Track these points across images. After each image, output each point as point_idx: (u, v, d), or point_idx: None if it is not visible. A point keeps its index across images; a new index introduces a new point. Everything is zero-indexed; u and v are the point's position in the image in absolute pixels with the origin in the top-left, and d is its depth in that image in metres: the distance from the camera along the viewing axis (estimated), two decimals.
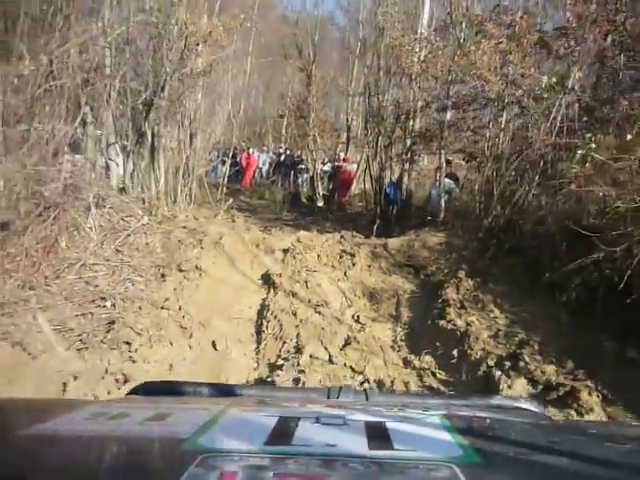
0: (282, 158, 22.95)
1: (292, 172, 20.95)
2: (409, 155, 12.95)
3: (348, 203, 16.80)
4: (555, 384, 4.54)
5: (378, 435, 1.10)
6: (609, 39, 9.43)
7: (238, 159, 23.21)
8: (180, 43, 8.72)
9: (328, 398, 1.71)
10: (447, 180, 11.71)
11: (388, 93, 13.16)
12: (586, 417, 4.10)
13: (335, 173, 17.33)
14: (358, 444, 1.03)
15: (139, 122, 8.86)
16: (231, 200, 12.22)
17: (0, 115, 6.89)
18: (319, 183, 17.90)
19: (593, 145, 7.15)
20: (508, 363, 5.01)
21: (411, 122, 12.69)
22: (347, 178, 17.05)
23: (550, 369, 4.84)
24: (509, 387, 4.56)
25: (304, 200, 18.15)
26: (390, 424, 1.21)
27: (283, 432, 1.11)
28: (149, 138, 8.92)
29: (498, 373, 4.83)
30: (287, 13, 20.13)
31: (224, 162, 16.69)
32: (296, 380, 4.68)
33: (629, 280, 5.44)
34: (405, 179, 13.06)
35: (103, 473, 0.95)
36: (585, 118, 8.78)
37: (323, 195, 17.63)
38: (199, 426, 1.11)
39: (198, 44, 9.08)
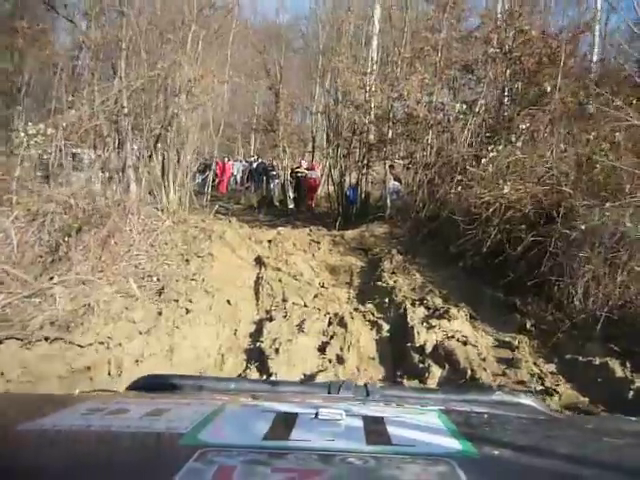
0: (254, 166, 24.93)
1: (265, 179, 22.87)
2: (365, 162, 15.78)
3: (315, 205, 19.58)
4: (440, 308, 7.49)
5: (376, 430, 1.14)
6: (508, 72, 12.43)
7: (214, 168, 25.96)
8: (181, 88, 11.60)
9: (329, 393, 1.74)
10: (395, 182, 14.69)
11: (344, 112, 16.03)
12: (453, 322, 7.04)
13: (302, 180, 19.95)
14: (356, 439, 1.06)
15: (151, 150, 11.71)
16: (216, 206, 14.47)
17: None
18: (289, 188, 20.17)
19: (493, 154, 10.09)
20: (417, 302, 7.91)
21: (365, 135, 15.54)
22: (313, 183, 19.84)
23: (440, 302, 7.81)
24: (413, 312, 7.45)
25: (277, 204, 20.52)
26: (388, 419, 1.23)
27: (282, 427, 1.14)
28: (160, 161, 11.79)
29: (409, 307, 7.73)
30: (255, 40, 22.62)
31: (205, 172, 19.37)
32: (284, 316, 7.51)
33: (496, 248, 8.47)
34: (362, 183, 15.97)
35: (102, 468, 0.96)
36: (488, 134, 11.78)
37: (293, 198, 19.96)
38: (198, 421, 1.13)
39: (193, 87, 11.96)
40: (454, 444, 1.06)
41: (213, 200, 16.37)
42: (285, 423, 1.18)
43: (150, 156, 11.75)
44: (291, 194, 20.20)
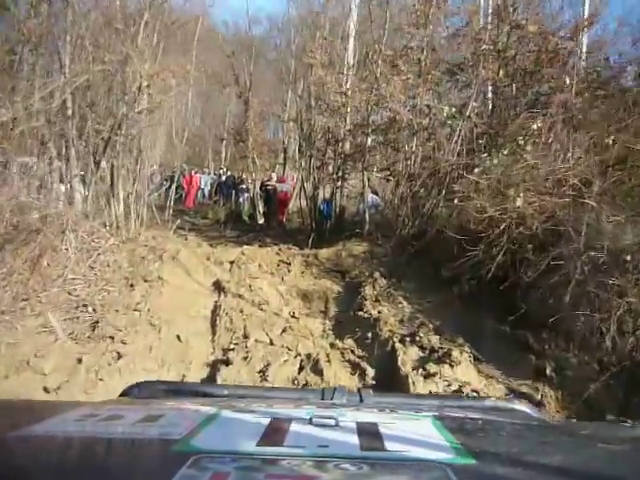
0: (223, 179, 24.09)
1: (233, 192, 21.87)
2: (339, 174, 14.43)
3: (287, 220, 18.20)
4: (437, 348, 6.09)
5: (370, 436, 1.13)
6: (501, 72, 11.14)
7: (180, 181, 24.57)
8: (133, 86, 10.10)
9: (322, 399, 1.75)
10: (373, 195, 13.33)
11: (318, 120, 14.67)
12: (456, 369, 5.65)
13: (272, 193, 18.64)
14: (350, 445, 1.06)
15: (99, 156, 10.18)
16: (179, 221, 13.08)
17: None
18: (259, 202, 19.06)
19: (494, 161, 8.77)
20: (408, 339, 6.53)
21: (340, 145, 14.20)
22: (284, 197, 18.47)
23: (435, 339, 6.41)
24: (404, 354, 6.07)
25: (245, 218, 19.25)
26: (382, 425, 1.23)
27: (275, 433, 1.13)
28: (108, 170, 10.25)
29: (399, 346, 6.34)
30: (225, 43, 21.29)
31: (169, 185, 18.01)
32: (244, 358, 6.09)
33: (500, 273, 7.09)
34: (337, 196, 14.59)
35: (94, 475, 0.95)
36: (480, 141, 10.45)
37: (263, 213, 18.71)
38: (191, 427, 1.13)
39: (149, 85, 10.46)
40: (448, 450, 1.06)
41: (178, 214, 15.16)
42: (279, 429, 1.16)
43: (98, 164, 10.19)
44: (261, 208, 18.98)
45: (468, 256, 7.35)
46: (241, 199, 21.25)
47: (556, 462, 1.11)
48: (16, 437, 1.11)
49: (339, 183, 14.54)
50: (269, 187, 18.61)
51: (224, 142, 26.40)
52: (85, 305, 7.09)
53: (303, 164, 15.38)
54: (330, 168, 14.74)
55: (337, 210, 14.55)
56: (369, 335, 6.95)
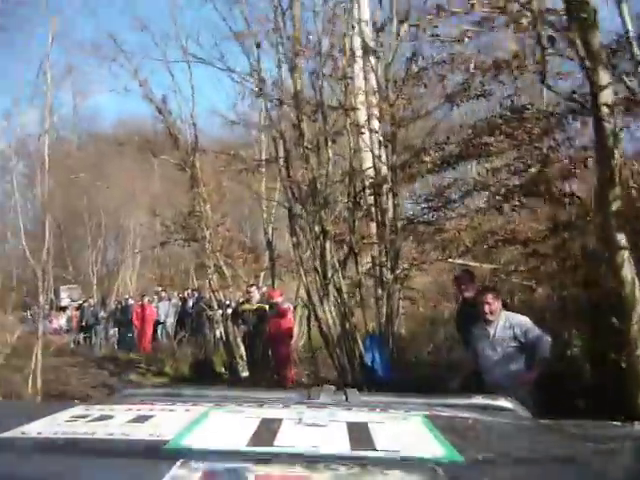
0: (190, 304, 16.96)
1: (207, 324, 14.79)
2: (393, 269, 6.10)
3: (293, 378, 9.55)
4: None
5: (360, 435, 1.11)
6: None
7: (130, 315, 17.85)
8: None
9: (309, 399, 1.73)
10: (520, 318, 4.73)
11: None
12: None
13: (257, 322, 10.08)
14: (340, 445, 1.04)
15: None
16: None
17: None
18: (237, 340, 11.41)
19: None
20: None
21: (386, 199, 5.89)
22: (282, 327, 9.73)
23: None
24: None
25: (220, 370, 12.27)
26: (372, 424, 1.20)
27: (265, 433, 1.11)
28: None
29: None
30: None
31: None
32: None
33: None
34: (393, 325, 6.11)
35: (85, 476, 0.95)
36: None
37: (247, 359, 10.99)
38: (181, 428, 1.11)
39: None
40: (438, 449, 1.05)
41: (123, 369, 12.73)
42: (269, 429, 1.14)
43: None
44: (242, 351, 11.41)
45: None
46: (214, 334, 14.01)
47: (545, 461, 1.11)
48: (5, 438, 1.09)
49: (396, 288, 6.14)
50: (245, 312, 10.58)
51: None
52: None
53: (305, 261, 6.99)
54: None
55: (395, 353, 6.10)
56: None
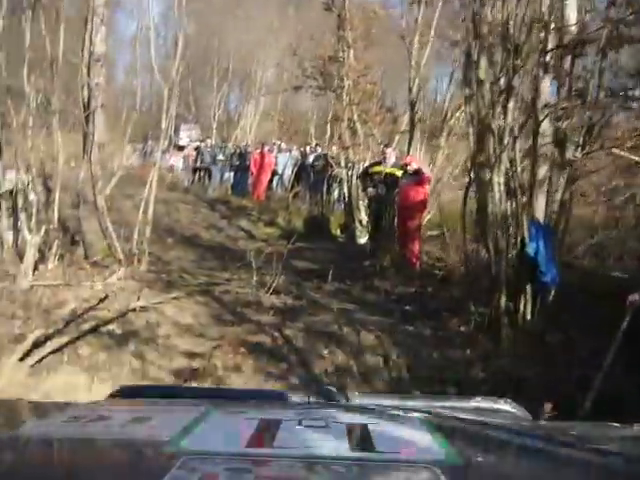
0: (310, 159, 15.79)
1: (325, 182, 13.89)
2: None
3: (418, 256, 8.70)
4: None
5: (360, 437, 1.11)
6: None
7: (247, 161, 17.09)
8: None
9: (309, 400, 1.70)
10: None
11: None
12: None
13: (386, 188, 9.24)
14: (340, 446, 1.02)
15: None
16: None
17: None
18: (360, 204, 10.80)
19: None
20: None
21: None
22: (418, 198, 8.79)
23: None
24: None
25: (335, 232, 11.78)
26: (372, 426, 1.18)
27: (265, 434, 1.11)
28: None
29: None
30: None
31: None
32: None
33: None
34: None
35: (83, 476, 0.93)
36: None
37: (369, 226, 10.22)
38: (181, 428, 1.09)
39: None
40: (438, 451, 1.04)
41: (235, 214, 12.53)
42: (268, 430, 1.14)
43: None
44: (364, 216, 10.76)
45: None
46: (334, 194, 13.81)
47: (544, 462, 1.10)
48: (3, 438, 1.09)
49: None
50: (376, 176, 9.43)
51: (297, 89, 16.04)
52: None
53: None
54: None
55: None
56: None
